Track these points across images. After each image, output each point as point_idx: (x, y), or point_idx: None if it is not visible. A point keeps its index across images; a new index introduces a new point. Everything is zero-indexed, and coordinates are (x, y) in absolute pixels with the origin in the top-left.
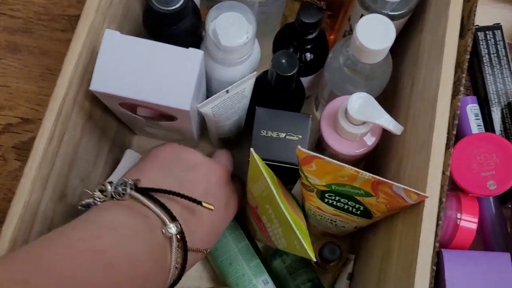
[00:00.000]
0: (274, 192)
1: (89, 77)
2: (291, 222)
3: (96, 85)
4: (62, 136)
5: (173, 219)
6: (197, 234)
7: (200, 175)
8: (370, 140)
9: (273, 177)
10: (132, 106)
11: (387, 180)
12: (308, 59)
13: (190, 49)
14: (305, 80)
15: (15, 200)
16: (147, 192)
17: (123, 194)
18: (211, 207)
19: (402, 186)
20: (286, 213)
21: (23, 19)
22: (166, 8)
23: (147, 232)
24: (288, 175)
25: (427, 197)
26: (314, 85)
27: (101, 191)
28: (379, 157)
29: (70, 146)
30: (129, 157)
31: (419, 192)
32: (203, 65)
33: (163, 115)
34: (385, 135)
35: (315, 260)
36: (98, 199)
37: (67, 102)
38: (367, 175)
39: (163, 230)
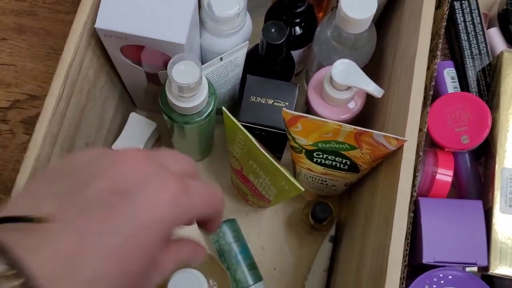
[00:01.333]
0: (253, 140)
1: (93, 46)
2: (273, 162)
3: (101, 23)
4: (69, 99)
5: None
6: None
7: (86, 172)
8: (355, 105)
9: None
10: (133, 54)
11: (367, 130)
12: (298, 33)
13: None
14: (295, 54)
15: (28, 153)
16: None
17: None
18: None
19: (382, 133)
20: (268, 156)
21: (29, 2)
22: None
23: None
24: (274, 141)
25: (405, 140)
26: (304, 59)
27: None
28: (365, 123)
29: (76, 109)
30: (133, 120)
31: (398, 136)
32: (197, 7)
33: (163, 63)
34: (369, 102)
35: (303, 190)
36: None
37: (73, 67)
38: (349, 127)
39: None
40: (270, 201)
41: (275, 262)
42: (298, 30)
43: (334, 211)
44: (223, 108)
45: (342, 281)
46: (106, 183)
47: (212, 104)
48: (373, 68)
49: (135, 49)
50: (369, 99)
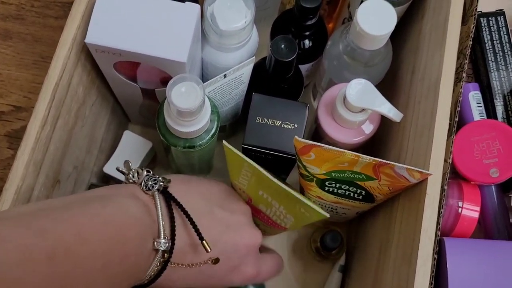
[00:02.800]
0: (261, 170)
1: (83, 62)
2: (289, 191)
3: (92, 38)
4: (56, 121)
5: (172, 238)
6: (181, 269)
7: (234, 222)
8: (369, 128)
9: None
10: (127, 70)
11: (388, 162)
12: (307, 46)
13: (187, 3)
14: (303, 68)
15: (7, 185)
16: (168, 199)
17: (149, 189)
18: (208, 248)
19: (405, 166)
20: (281, 184)
21: (16, 5)
22: None
23: (139, 238)
24: (281, 165)
25: (430, 174)
26: (312, 73)
27: (137, 173)
28: (378, 146)
29: (64, 131)
30: (127, 139)
31: (422, 170)
32: (200, 21)
33: (161, 80)
34: (384, 123)
35: (328, 216)
36: (130, 179)
37: (60, 86)
38: (368, 158)
39: (155, 242)
40: (286, 228)
41: None
42: (307, 43)
43: (344, 239)
44: (224, 142)
45: None
46: (236, 241)
47: (214, 126)
48: (387, 85)
49: (130, 64)
50: (384, 121)
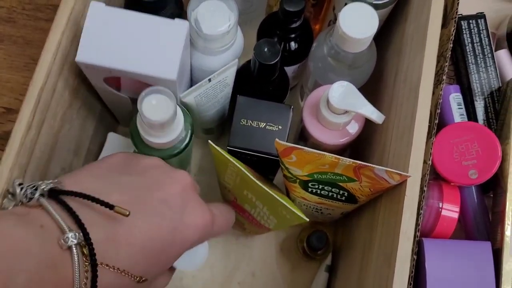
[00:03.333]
0: (246, 172)
1: (69, 66)
2: (271, 193)
3: (82, 57)
4: (41, 125)
5: (80, 227)
6: (122, 250)
7: (151, 179)
8: (353, 129)
9: (241, 163)
10: (117, 82)
11: (368, 164)
12: (292, 48)
13: (176, 19)
14: (289, 70)
15: None
16: (56, 196)
17: (30, 198)
18: (125, 212)
19: (384, 168)
20: (264, 187)
21: (7, 8)
22: None
23: (37, 245)
24: (267, 166)
25: (409, 176)
26: (299, 75)
27: (12, 193)
28: (364, 146)
29: (49, 135)
30: (112, 141)
31: (401, 172)
32: (189, 37)
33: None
34: (369, 125)
35: (307, 220)
36: (8, 203)
37: (45, 91)
38: (348, 160)
39: (61, 240)
40: (270, 228)
41: None
42: (293, 45)
43: (330, 239)
44: (210, 142)
45: None
46: (162, 195)
47: (188, 138)
48: (372, 87)
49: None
50: (368, 122)
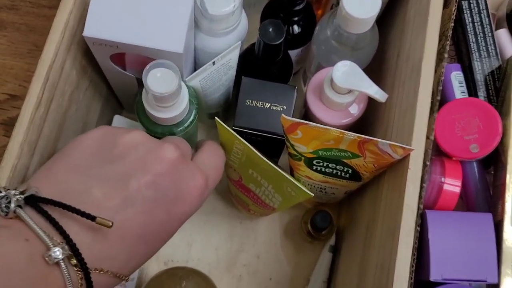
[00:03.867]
0: (252, 148)
1: (76, 45)
2: (277, 169)
3: (89, 31)
4: (50, 103)
5: (65, 239)
6: (116, 247)
7: (135, 162)
8: (356, 110)
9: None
10: (123, 61)
11: (372, 138)
12: (296, 31)
13: None
14: (293, 54)
15: (3, 163)
16: (35, 204)
17: (7, 212)
18: (108, 223)
19: (388, 141)
20: (270, 163)
21: None
22: None
23: (24, 261)
24: (271, 146)
25: (412, 149)
26: (302, 59)
27: None
28: (366, 127)
29: (58, 114)
30: (117, 123)
31: (404, 145)
32: (193, 14)
33: None
34: (372, 105)
35: (312, 195)
36: None
37: (54, 69)
38: (353, 135)
39: (46, 257)
40: (275, 208)
41: (271, 272)
42: (296, 28)
43: (333, 219)
44: (216, 118)
45: None
46: (150, 178)
47: (193, 114)
48: (375, 69)
49: (126, 55)
50: (371, 102)
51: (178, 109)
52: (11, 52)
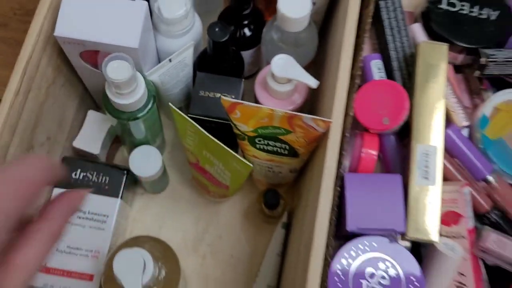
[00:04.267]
0: (201, 129)
1: (51, 46)
2: (222, 145)
3: (59, 31)
4: (28, 93)
5: None
6: None
7: None
8: (298, 98)
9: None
10: (93, 59)
11: (297, 113)
12: (247, 34)
13: (136, 0)
14: (247, 55)
15: None
16: None
17: None
18: None
19: (310, 116)
20: (216, 140)
21: (0, 15)
22: None
23: None
24: (226, 133)
25: (331, 121)
26: (256, 60)
27: None
28: (310, 113)
29: (35, 103)
30: (92, 118)
31: (323, 118)
32: (149, 15)
33: None
34: (314, 94)
35: (251, 166)
36: None
37: (30, 64)
38: (281, 111)
39: None
40: (228, 186)
41: (232, 250)
42: (247, 31)
43: (287, 201)
44: (170, 104)
45: (290, 261)
46: None
47: (151, 103)
48: (318, 61)
49: (94, 54)
50: (314, 91)
51: (135, 95)
52: (1, 63)
